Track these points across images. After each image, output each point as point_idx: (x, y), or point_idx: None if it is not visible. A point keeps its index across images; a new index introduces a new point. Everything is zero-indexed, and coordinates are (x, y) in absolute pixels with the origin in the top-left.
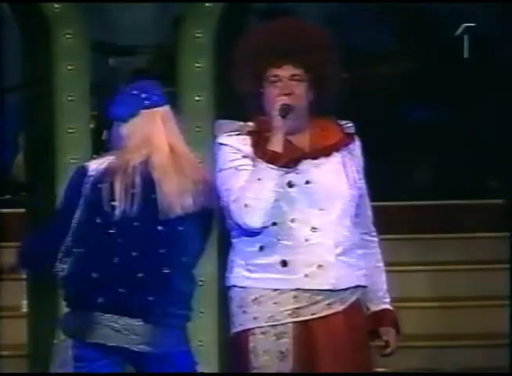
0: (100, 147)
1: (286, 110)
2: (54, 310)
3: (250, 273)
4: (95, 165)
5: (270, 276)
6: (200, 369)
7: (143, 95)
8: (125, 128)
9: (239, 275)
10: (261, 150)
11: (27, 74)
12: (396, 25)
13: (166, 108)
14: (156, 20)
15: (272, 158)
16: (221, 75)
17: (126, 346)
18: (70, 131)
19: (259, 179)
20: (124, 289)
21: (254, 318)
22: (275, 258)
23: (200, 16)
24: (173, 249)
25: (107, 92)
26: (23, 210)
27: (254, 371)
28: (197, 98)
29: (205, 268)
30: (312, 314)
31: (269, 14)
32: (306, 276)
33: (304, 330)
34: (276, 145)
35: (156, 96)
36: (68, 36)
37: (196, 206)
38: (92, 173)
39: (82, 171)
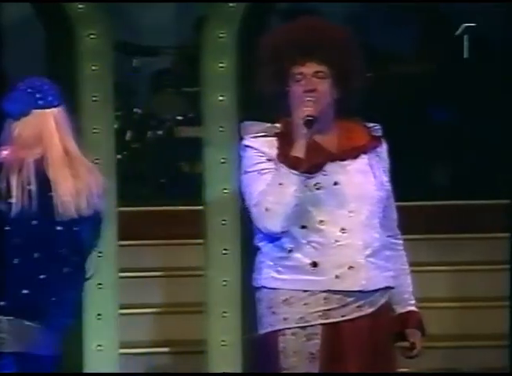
0: (124, 147)
1: (310, 123)
2: None
3: (279, 274)
4: None
5: (300, 278)
6: (222, 369)
7: (37, 95)
8: (16, 126)
9: (268, 276)
10: (285, 154)
11: (51, 74)
12: (418, 25)
13: (60, 109)
14: (179, 21)
15: (294, 164)
16: (244, 75)
17: (22, 351)
18: (94, 131)
19: (281, 184)
20: (28, 290)
21: (284, 319)
22: (305, 260)
23: (223, 16)
24: (69, 249)
25: (131, 92)
26: None
27: (284, 372)
28: (220, 98)
29: (228, 269)
30: (342, 316)
31: (292, 14)
32: (337, 277)
33: (334, 331)
34: (299, 150)
35: (51, 96)
36: (92, 36)
37: (89, 209)
38: None
39: None
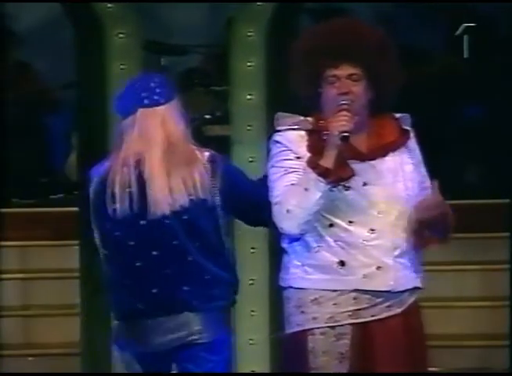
0: None
1: (346, 139)
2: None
3: (307, 274)
4: (98, 169)
5: (328, 277)
6: (250, 368)
7: (143, 94)
8: (123, 126)
9: (295, 276)
10: (315, 161)
11: (79, 73)
12: (449, 24)
13: (169, 106)
14: (207, 20)
15: (322, 173)
16: (272, 74)
17: (178, 344)
18: None
19: (306, 189)
20: (157, 289)
21: (313, 318)
22: (333, 259)
23: (252, 15)
24: (185, 238)
25: None
26: (75, 209)
27: (312, 372)
28: (249, 97)
29: (256, 267)
30: (372, 316)
31: (320, 13)
32: (365, 276)
33: (363, 331)
34: (329, 161)
35: (158, 95)
36: (121, 35)
37: (191, 202)
38: (95, 177)
39: (88, 178)
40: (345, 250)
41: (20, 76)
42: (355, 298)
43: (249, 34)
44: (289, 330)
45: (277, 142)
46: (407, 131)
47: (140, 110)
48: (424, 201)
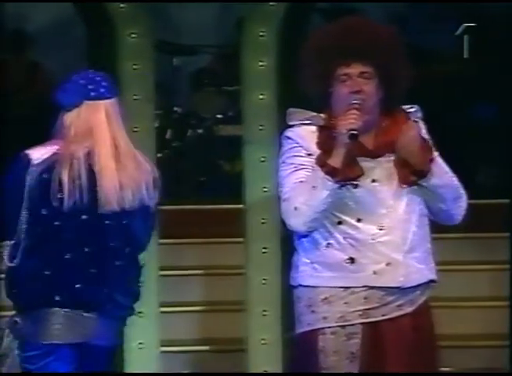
0: (164, 146)
1: (354, 137)
2: None
3: (316, 272)
4: (39, 154)
5: (337, 274)
6: (262, 367)
7: (90, 86)
8: (68, 118)
9: (305, 274)
10: (323, 159)
11: None
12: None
13: (112, 101)
14: (219, 20)
15: (330, 173)
16: (284, 74)
17: (80, 341)
18: (134, 130)
19: (314, 187)
20: (81, 284)
21: (324, 318)
22: (342, 256)
23: (264, 15)
24: (120, 242)
25: (172, 91)
26: None
27: (323, 371)
28: (261, 96)
29: (268, 267)
30: (383, 315)
31: (332, 13)
32: (375, 273)
33: (373, 331)
34: (337, 160)
35: (103, 88)
36: (133, 35)
37: (135, 202)
38: (36, 162)
39: (25, 160)
40: (354, 247)
41: (32, 76)
42: (365, 298)
43: (261, 34)
44: (299, 330)
45: (288, 137)
46: (415, 123)
47: (86, 103)
48: (401, 141)
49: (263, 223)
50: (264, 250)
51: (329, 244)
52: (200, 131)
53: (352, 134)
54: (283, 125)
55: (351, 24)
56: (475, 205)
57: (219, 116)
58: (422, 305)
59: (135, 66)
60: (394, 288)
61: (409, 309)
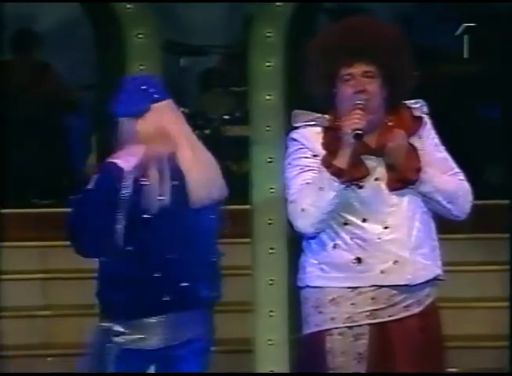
0: None
1: (359, 137)
2: None
3: (323, 273)
4: (127, 163)
5: (345, 275)
6: (269, 368)
7: (151, 90)
8: (139, 124)
9: (312, 275)
10: (329, 160)
11: (100, 73)
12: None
13: (171, 100)
14: (226, 20)
15: (336, 173)
16: (291, 74)
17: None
18: None
19: (321, 188)
20: (189, 283)
21: (331, 319)
22: (349, 256)
23: (271, 15)
24: (212, 237)
25: (179, 91)
26: None
27: (330, 372)
28: (268, 97)
29: (275, 268)
30: (390, 316)
31: (340, 13)
32: (382, 272)
33: (381, 331)
34: (342, 160)
35: (163, 89)
36: (140, 36)
37: (218, 194)
38: (128, 170)
39: (118, 170)
40: (361, 247)
41: (39, 76)
42: (372, 298)
43: (268, 34)
44: (307, 331)
45: (294, 139)
46: (419, 118)
47: (153, 106)
48: (388, 148)
49: (270, 224)
50: (271, 250)
51: (336, 244)
52: (206, 131)
53: (357, 134)
54: (290, 126)
55: (354, 24)
56: (483, 205)
57: (226, 116)
58: (429, 306)
59: (141, 67)
60: (402, 286)
61: (416, 310)
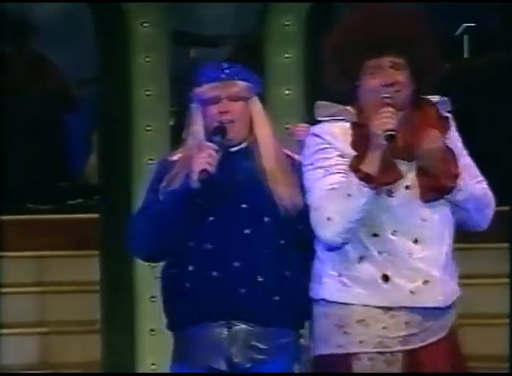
0: (180, 146)
1: (391, 138)
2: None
3: (345, 287)
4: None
5: (370, 292)
6: None
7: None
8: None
9: (331, 287)
10: (357, 161)
11: (101, 66)
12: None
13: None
14: (240, 8)
15: (365, 180)
16: (312, 67)
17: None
18: (147, 128)
19: (349, 195)
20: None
21: (360, 342)
22: (376, 272)
23: (289, 3)
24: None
25: (188, 85)
26: (96, 215)
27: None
28: (287, 92)
29: None
30: (421, 341)
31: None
32: (412, 292)
33: (413, 357)
34: (372, 164)
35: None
36: (145, 25)
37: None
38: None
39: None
40: (389, 262)
41: (37, 71)
42: (406, 323)
43: (286, 23)
44: (326, 351)
45: (317, 135)
46: (446, 119)
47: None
48: (421, 151)
49: None
50: None
51: (362, 257)
52: None
53: (389, 134)
54: (312, 123)
55: (380, 12)
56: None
57: None
58: (453, 328)
59: (147, 59)
60: (435, 309)
61: (443, 333)
